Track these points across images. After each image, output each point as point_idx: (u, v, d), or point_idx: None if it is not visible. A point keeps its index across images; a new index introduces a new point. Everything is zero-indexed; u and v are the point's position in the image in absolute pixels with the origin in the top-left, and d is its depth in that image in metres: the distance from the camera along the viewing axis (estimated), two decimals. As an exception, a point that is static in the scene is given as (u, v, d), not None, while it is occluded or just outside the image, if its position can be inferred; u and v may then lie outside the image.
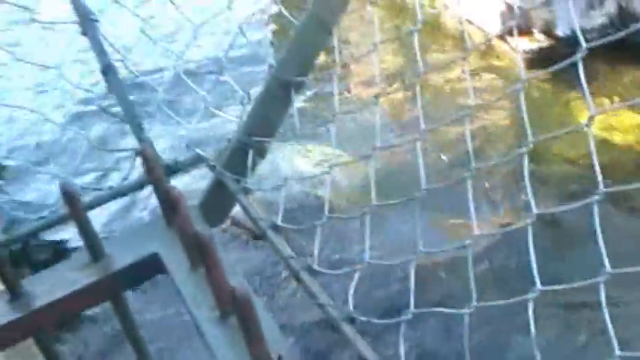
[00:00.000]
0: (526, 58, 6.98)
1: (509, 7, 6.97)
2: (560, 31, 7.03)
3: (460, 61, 6.50)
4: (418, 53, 1.86)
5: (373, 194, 1.82)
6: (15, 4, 2.53)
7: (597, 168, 1.40)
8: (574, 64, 1.50)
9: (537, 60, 6.87)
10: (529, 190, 1.57)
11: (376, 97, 1.90)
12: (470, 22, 7.82)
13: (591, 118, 1.44)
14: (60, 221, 2.27)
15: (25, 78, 7.88)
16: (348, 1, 2.15)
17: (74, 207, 2.03)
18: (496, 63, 7.33)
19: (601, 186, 1.36)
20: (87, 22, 2.33)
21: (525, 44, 7.06)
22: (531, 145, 1.55)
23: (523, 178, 1.57)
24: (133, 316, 2.13)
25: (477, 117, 6.10)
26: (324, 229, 1.94)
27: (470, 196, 1.61)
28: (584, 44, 1.46)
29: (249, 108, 2.21)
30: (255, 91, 2.21)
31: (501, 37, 7.26)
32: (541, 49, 6.98)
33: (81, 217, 2.08)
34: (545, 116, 6.11)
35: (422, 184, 1.72)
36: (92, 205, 2.25)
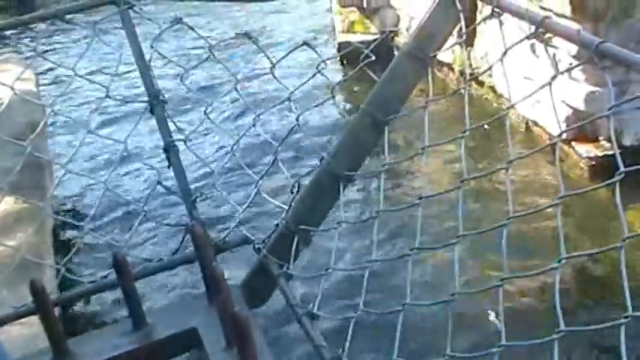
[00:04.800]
0: (590, 165, 6.95)
1: (576, 112, 6.99)
2: (628, 141, 7.00)
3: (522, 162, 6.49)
4: (464, 159, 1.91)
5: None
6: (91, 81, 2.70)
7: None
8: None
9: (601, 167, 6.83)
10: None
11: (420, 198, 1.96)
12: (535, 123, 7.86)
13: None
14: (109, 287, 2.37)
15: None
16: (403, 104, 2.24)
17: (124, 277, 2.14)
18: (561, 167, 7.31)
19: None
20: (155, 102, 2.48)
21: (590, 150, 7.04)
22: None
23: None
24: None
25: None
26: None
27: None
28: None
29: (298, 196, 2.29)
30: (305, 179, 2.30)
31: (567, 141, 7.25)
32: (606, 156, 6.94)
33: (129, 286, 2.18)
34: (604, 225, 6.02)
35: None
36: (140, 276, 2.34)
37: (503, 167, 1.84)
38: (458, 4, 2.09)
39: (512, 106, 2.17)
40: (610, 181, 1.62)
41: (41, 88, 8.65)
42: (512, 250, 1.75)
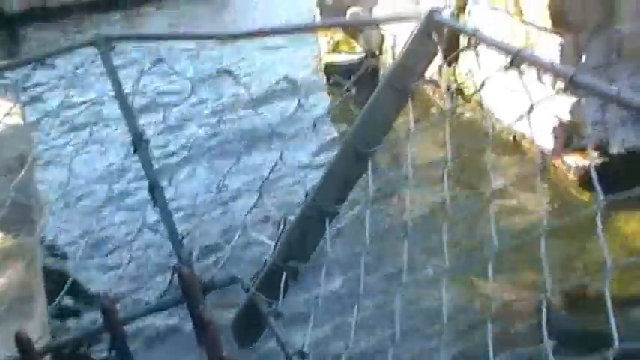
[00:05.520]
0: (578, 175, 6.96)
1: (562, 123, 7.02)
2: (615, 149, 7.02)
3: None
4: (447, 193, 1.92)
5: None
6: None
7: None
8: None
9: (589, 177, 6.84)
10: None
11: (405, 232, 1.96)
12: (523, 136, 7.88)
13: None
14: (98, 332, 2.35)
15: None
16: (385, 135, 2.25)
17: (111, 322, 2.13)
18: (550, 177, 7.32)
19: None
20: (138, 142, 2.48)
21: (579, 161, 7.06)
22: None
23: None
24: None
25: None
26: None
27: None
28: None
29: (285, 232, 2.29)
30: (292, 215, 2.30)
31: (556, 153, 7.27)
32: (594, 166, 6.94)
33: (116, 330, 2.17)
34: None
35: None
36: (128, 320, 2.33)
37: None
38: (435, 37, 2.11)
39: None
40: (589, 212, 1.62)
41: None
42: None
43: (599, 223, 1.58)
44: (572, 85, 1.68)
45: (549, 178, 7.29)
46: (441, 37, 2.11)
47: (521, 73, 1.88)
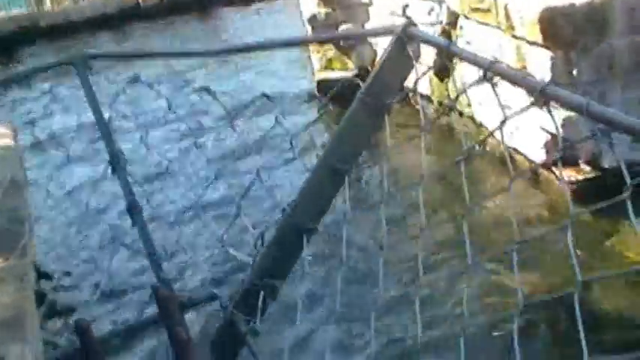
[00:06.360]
0: (572, 189, 6.94)
1: (554, 138, 7.01)
2: (607, 163, 7.01)
3: (504, 192, 6.50)
4: (422, 206, 1.90)
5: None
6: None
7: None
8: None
9: (583, 191, 6.83)
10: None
11: (381, 247, 1.95)
12: (516, 150, 7.88)
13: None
14: (75, 354, 2.33)
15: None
16: (361, 151, 2.24)
17: (87, 344, 2.11)
18: (542, 193, 7.31)
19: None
20: (116, 162, 2.47)
21: (570, 175, 7.04)
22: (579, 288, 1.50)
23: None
24: None
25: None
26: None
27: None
28: (628, 180, 1.48)
29: (262, 250, 2.27)
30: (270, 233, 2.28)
31: (547, 167, 7.26)
32: (587, 180, 6.94)
33: (94, 353, 2.15)
34: (594, 252, 5.99)
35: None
36: (106, 340, 2.31)
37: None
38: (409, 52, 2.10)
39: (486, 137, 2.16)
40: (618, 198, 1.55)
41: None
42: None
43: (569, 235, 1.57)
44: (544, 97, 1.68)
45: (542, 191, 7.28)
46: (416, 52, 2.11)
47: (494, 85, 1.88)
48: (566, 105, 1.63)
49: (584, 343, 1.42)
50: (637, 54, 6.93)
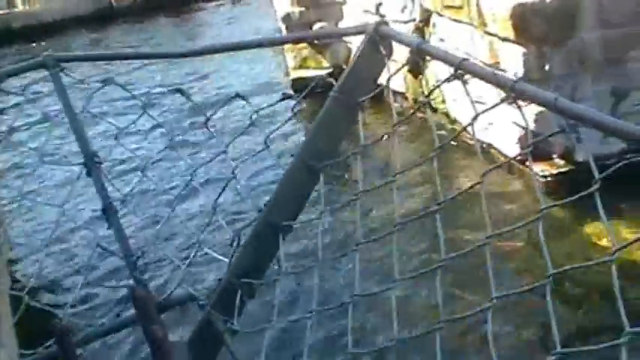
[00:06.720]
0: (545, 182, 7.02)
1: (527, 132, 7.08)
2: (580, 157, 7.09)
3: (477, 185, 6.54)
4: (396, 202, 1.92)
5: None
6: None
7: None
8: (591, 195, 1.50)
9: (556, 185, 6.91)
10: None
11: (357, 244, 1.96)
12: (491, 145, 7.95)
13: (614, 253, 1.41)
14: (52, 357, 2.32)
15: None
16: (337, 147, 2.25)
17: (64, 345, 2.10)
18: (516, 186, 7.38)
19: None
20: (91, 163, 2.46)
21: (545, 169, 7.12)
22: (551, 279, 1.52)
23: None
24: None
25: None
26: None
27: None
28: (597, 175, 1.49)
29: (239, 249, 2.28)
30: (246, 232, 2.28)
31: (521, 161, 7.33)
32: (560, 174, 7.02)
33: (71, 353, 2.14)
34: (563, 243, 6.08)
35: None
36: (83, 343, 2.30)
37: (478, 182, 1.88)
38: (382, 50, 2.12)
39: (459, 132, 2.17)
40: (587, 191, 1.55)
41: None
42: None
43: (540, 229, 1.60)
44: (514, 93, 1.70)
45: (516, 188, 7.36)
46: (388, 49, 2.12)
47: (465, 82, 1.90)
48: (535, 101, 1.66)
49: (554, 328, 1.45)
50: (607, 48, 7.02)
